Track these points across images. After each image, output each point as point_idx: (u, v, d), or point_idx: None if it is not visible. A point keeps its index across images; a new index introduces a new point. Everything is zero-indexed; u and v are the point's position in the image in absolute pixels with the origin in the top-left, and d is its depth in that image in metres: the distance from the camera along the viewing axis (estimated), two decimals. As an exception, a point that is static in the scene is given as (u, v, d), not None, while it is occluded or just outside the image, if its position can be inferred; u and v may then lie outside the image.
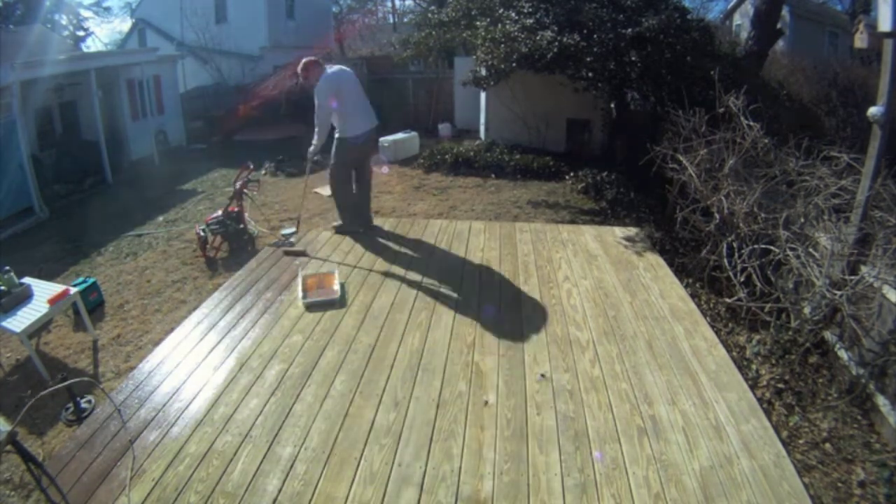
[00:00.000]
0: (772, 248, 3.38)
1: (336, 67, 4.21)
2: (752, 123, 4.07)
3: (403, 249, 4.28)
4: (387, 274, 3.83)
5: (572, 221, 5.20)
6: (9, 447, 1.82)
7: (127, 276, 4.54)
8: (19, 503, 2.15)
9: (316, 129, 4.15)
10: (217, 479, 2.07)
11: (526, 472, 2.09)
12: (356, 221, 4.63)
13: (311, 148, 4.27)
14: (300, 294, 3.48)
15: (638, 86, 6.52)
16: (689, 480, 2.04)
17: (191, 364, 2.83)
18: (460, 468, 2.11)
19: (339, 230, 4.64)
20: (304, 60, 4.15)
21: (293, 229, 4.77)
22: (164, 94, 10.80)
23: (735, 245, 3.61)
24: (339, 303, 3.40)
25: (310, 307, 3.37)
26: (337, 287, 3.52)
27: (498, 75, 6.36)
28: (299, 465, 2.13)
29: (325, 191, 6.62)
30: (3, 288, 3.22)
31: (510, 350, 2.87)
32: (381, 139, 8.38)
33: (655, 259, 4.07)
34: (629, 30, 5.70)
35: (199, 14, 13.68)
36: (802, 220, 3.39)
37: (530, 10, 6.38)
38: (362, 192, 4.62)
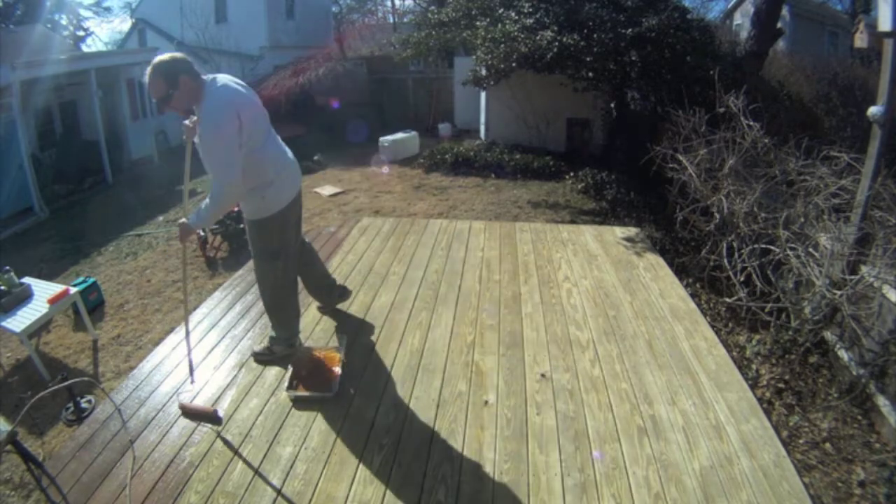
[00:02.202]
0: (772, 247, 3.38)
1: (221, 78, 2.31)
2: (752, 123, 4.07)
3: (403, 249, 4.28)
4: (387, 274, 3.83)
5: (572, 221, 5.20)
6: (9, 447, 1.81)
7: (127, 275, 4.54)
8: (19, 503, 2.16)
9: (209, 200, 2.25)
10: (217, 479, 2.07)
11: (526, 472, 2.09)
12: (295, 330, 2.88)
13: (194, 218, 2.32)
14: (286, 381, 2.59)
15: (638, 85, 6.52)
16: (689, 480, 2.04)
17: (191, 364, 2.83)
18: (460, 468, 2.10)
19: (260, 357, 2.84)
20: (154, 62, 2.17)
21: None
22: (165, 93, 10.78)
23: (735, 245, 3.61)
24: (334, 397, 2.52)
25: (296, 402, 2.51)
26: (337, 376, 2.62)
27: (498, 75, 6.37)
28: (299, 464, 2.13)
29: (326, 190, 6.63)
30: (3, 288, 3.22)
31: (510, 350, 2.87)
32: (381, 139, 8.39)
33: (655, 259, 4.07)
34: (629, 30, 5.69)
35: (199, 14, 13.67)
36: (802, 219, 3.39)
37: (530, 10, 6.38)
38: (312, 267, 3.08)
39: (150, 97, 2.29)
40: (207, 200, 2.27)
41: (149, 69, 2.17)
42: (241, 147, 2.24)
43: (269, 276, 2.67)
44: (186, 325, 2.66)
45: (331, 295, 3.22)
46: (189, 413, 2.46)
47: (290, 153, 2.62)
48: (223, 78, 2.33)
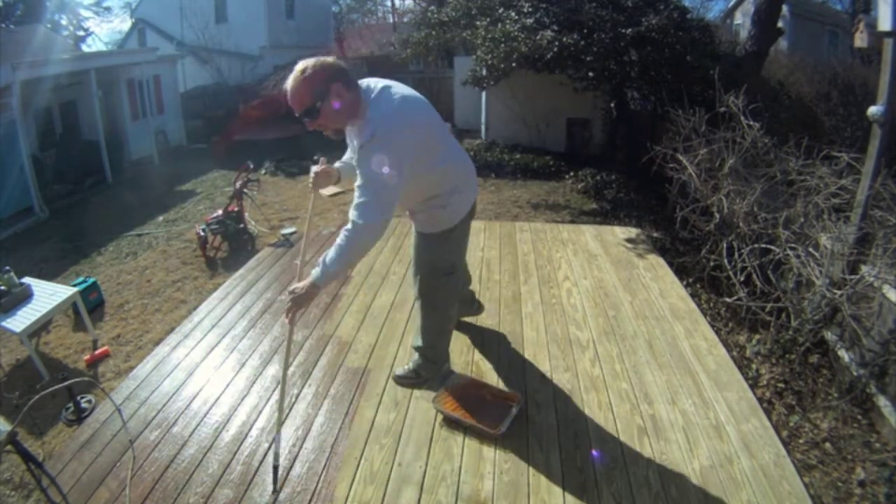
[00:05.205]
0: (772, 247, 3.38)
1: (400, 90, 1.90)
2: (752, 123, 4.07)
3: (403, 249, 4.28)
4: (387, 274, 3.83)
5: (572, 221, 5.20)
6: (9, 447, 1.81)
7: (127, 275, 4.54)
8: (19, 503, 2.16)
9: (342, 243, 1.81)
10: (217, 479, 2.07)
11: (526, 471, 2.09)
12: (448, 353, 2.61)
13: (319, 274, 1.82)
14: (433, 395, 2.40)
15: (638, 85, 6.53)
16: (689, 480, 2.03)
17: (191, 364, 2.83)
18: (460, 468, 2.10)
19: (404, 380, 2.58)
20: (300, 68, 1.94)
21: (293, 229, 4.77)
22: (164, 93, 10.80)
23: (735, 245, 3.61)
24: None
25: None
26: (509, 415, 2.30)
27: (498, 75, 6.36)
28: (299, 464, 2.13)
29: (326, 190, 6.63)
30: (3, 288, 3.22)
31: (510, 350, 2.87)
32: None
33: (655, 259, 4.07)
34: (629, 29, 5.70)
35: (199, 14, 13.68)
36: (802, 219, 3.39)
37: (530, 9, 6.38)
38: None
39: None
40: (337, 245, 1.79)
41: (294, 74, 1.81)
42: (413, 173, 1.85)
43: (440, 293, 2.30)
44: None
45: (468, 306, 2.98)
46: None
47: (466, 154, 2.26)
48: (397, 87, 1.89)
